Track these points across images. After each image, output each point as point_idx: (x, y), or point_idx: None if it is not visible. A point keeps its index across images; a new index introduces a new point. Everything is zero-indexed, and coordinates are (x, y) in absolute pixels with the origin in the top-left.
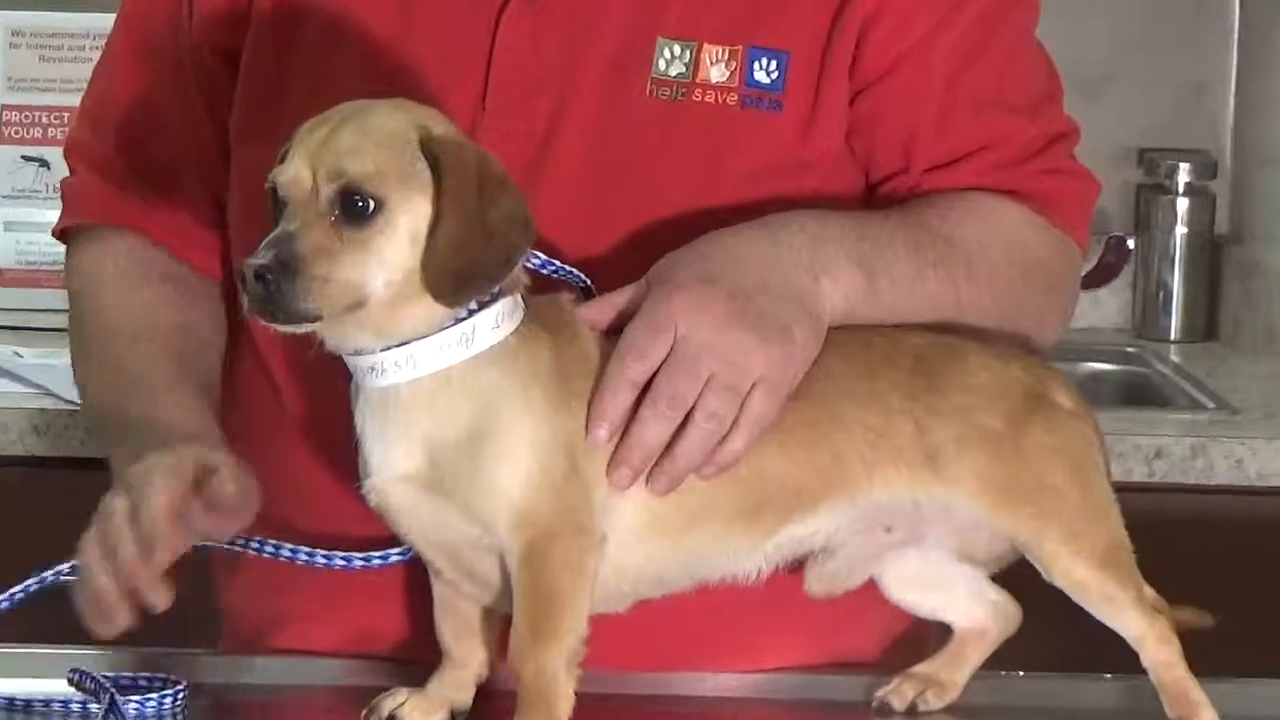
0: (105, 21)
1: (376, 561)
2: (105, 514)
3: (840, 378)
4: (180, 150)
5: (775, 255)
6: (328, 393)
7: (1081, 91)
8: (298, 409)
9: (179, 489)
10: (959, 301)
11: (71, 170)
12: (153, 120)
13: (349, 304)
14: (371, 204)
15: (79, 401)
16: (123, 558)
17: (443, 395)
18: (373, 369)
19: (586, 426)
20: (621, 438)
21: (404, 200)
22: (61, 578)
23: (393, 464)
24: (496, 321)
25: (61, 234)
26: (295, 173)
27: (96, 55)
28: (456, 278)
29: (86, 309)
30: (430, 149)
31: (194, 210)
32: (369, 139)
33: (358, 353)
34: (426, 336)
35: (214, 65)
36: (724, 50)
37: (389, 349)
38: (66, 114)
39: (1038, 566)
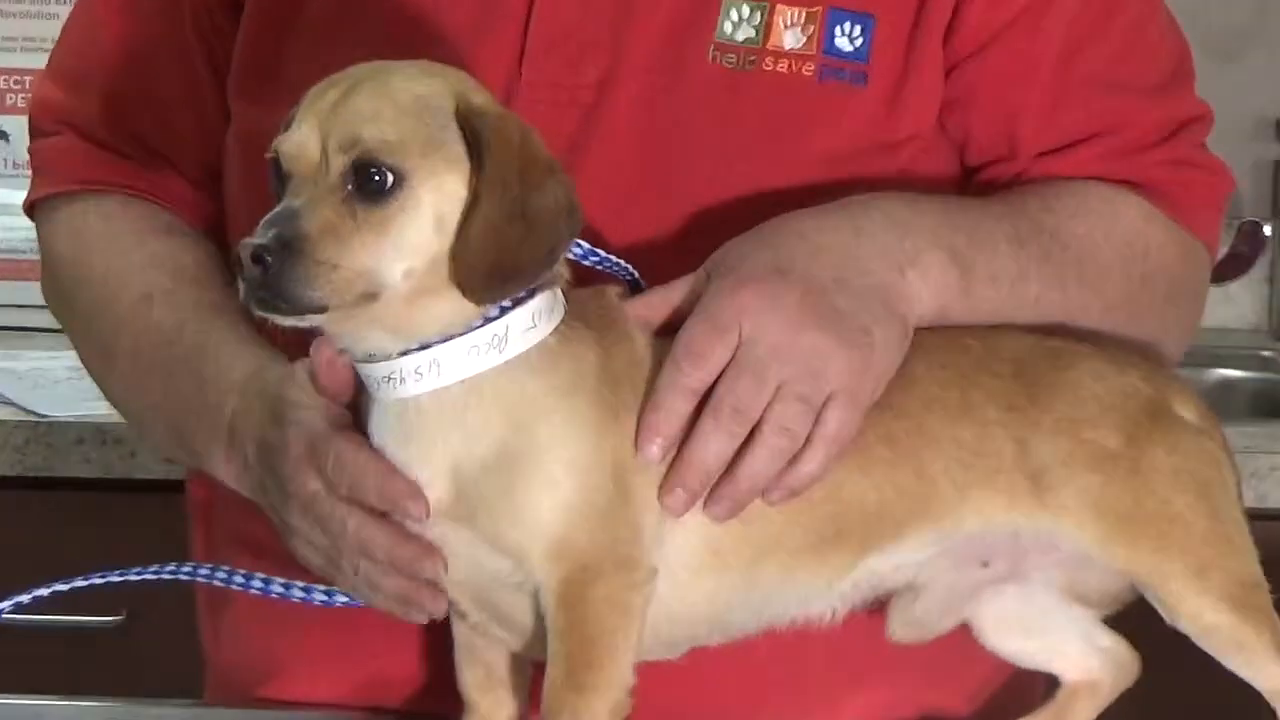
0: None
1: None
2: (323, 512)
3: (928, 386)
4: (177, 111)
5: (856, 244)
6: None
7: (1211, 55)
8: None
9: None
10: (1066, 305)
11: (39, 134)
12: (145, 77)
13: (361, 294)
14: (391, 178)
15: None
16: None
17: (472, 407)
18: (389, 378)
19: (636, 442)
20: (676, 455)
21: (430, 176)
22: (20, 609)
23: None
24: (533, 320)
25: (31, 207)
26: (302, 140)
27: (62, 10)
28: (491, 272)
29: (78, 277)
30: (469, 120)
31: (195, 180)
32: (390, 104)
33: (370, 357)
34: (451, 338)
35: (220, 17)
36: (800, 12)
37: (408, 353)
38: (29, 78)
39: (1158, 607)
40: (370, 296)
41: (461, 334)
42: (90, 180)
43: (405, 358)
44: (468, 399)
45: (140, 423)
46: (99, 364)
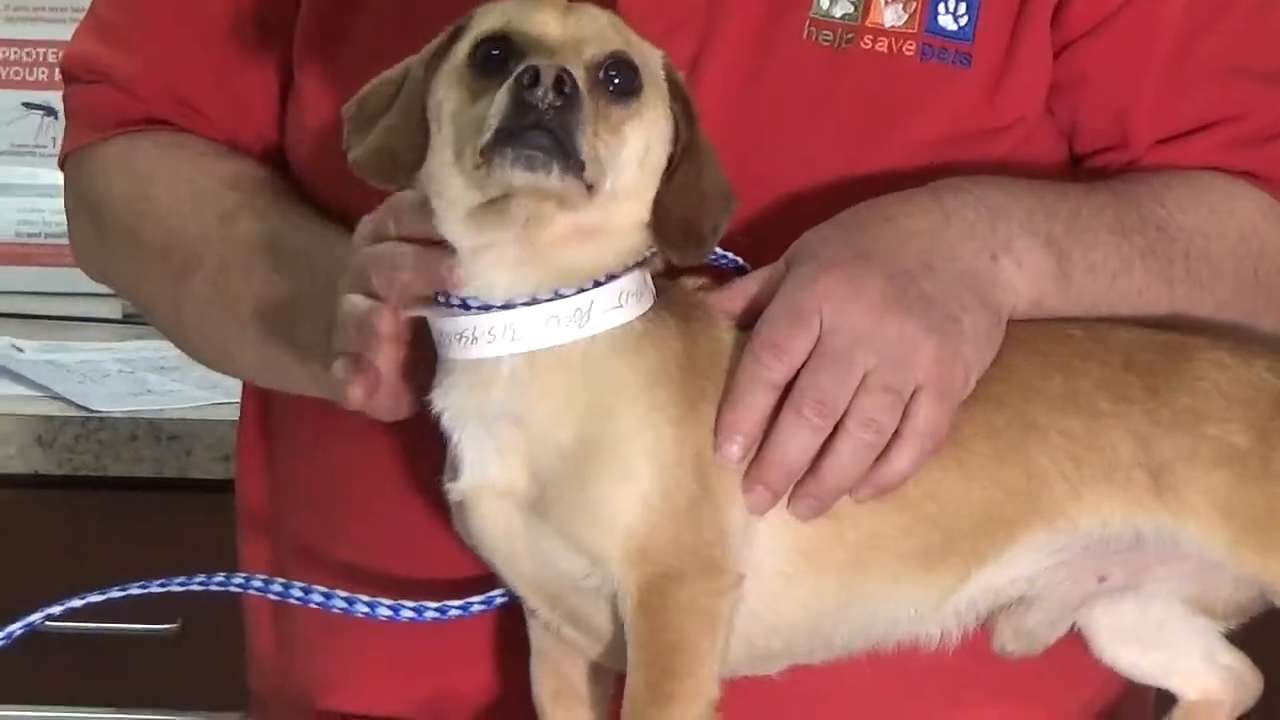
0: None
1: (455, 612)
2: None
3: (1028, 376)
4: (230, 76)
5: (945, 229)
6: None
7: None
8: None
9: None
10: (1173, 302)
11: (73, 80)
12: (195, 37)
13: (589, 186)
14: (635, 85)
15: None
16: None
17: (559, 384)
18: (462, 335)
19: (715, 440)
20: (758, 452)
21: (653, 105)
22: (51, 620)
23: (484, 469)
24: (619, 300)
25: (65, 160)
26: (545, 21)
27: None
28: (685, 231)
29: (141, 212)
30: (676, 80)
31: (245, 147)
32: (621, 25)
33: (450, 302)
34: (537, 301)
35: None
36: None
37: (488, 310)
38: None
39: None
40: (590, 192)
41: (544, 300)
42: (134, 123)
43: (482, 316)
44: (553, 373)
45: (224, 344)
46: (170, 291)
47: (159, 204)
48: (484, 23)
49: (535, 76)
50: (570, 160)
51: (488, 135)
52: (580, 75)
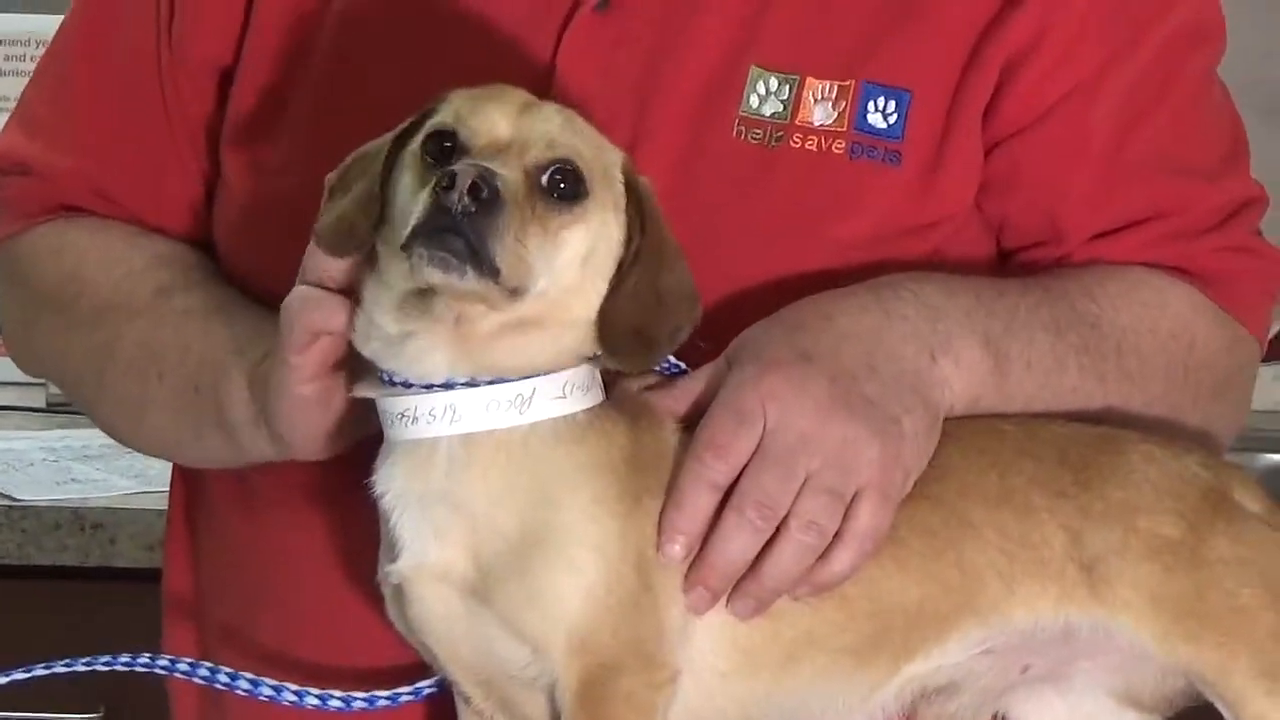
0: (56, 25)
1: (383, 703)
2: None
3: (963, 474)
4: (148, 173)
5: (886, 328)
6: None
7: (1263, 115)
8: (300, 473)
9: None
10: (1105, 397)
11: (2, 172)
12: (115, 136)
13: (513, 287)
14: (579, 191)
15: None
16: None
17: (497, 469)
18: (404, 414)
19: (658, 540)
20: (699, 551)
21: (601, 209)
22: None
23: (423, 551)
24: (563, 391)
25: None
26: (493, 121)
27: None
28: (633, 335)
29: (76, 292)
30: (635, 181)
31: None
32: (580, 127)
33: (393, 381)
34: (476, 384)
35: (202, 79)
36: (831, 86)
37: (430, 390)
38: None
39: (1221, 708)
40: (513, 296)
41: (488, 384)
42: (56, 209)
43: (422, 396)
44: (493, 458)
45: (141, 405)
46: (95, 360)
47: (92, 283)
48: (441, 113)
49: (452, 180)
50: (484, 264)
51: (404, 232)
52: (517, 178)
